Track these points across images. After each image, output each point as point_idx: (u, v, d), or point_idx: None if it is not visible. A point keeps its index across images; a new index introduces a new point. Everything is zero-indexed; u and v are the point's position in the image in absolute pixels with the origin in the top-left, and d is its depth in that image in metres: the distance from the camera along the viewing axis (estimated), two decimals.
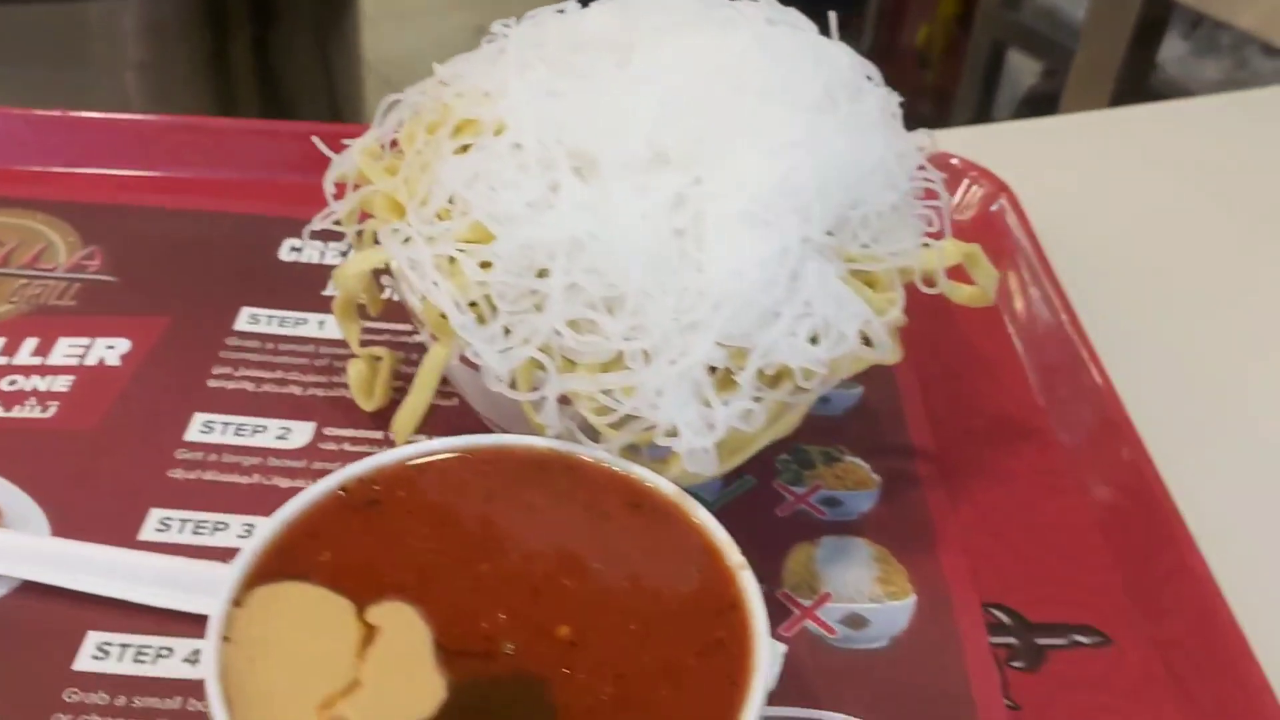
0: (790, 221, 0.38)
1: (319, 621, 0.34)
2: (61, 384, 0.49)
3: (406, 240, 0.40)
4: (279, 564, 0.35)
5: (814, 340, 0.39)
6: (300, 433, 0.49)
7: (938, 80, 2.58)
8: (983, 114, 2.44)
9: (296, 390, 0.51)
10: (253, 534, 0.37)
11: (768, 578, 0.44)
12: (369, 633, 0.33)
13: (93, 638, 0.40)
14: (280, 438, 0.48)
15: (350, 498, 0.37)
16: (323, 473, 0.47)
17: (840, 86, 0.42)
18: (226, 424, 0.49)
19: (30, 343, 0.51)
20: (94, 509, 0.44)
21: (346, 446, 0.48)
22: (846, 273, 0.40)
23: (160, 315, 0.53)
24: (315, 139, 0.46)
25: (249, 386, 0.51)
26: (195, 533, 0.44)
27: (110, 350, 0.51)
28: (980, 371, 0.55)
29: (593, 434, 0.39)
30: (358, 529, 0.37)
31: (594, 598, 0.35)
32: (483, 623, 0.34)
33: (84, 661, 0.39)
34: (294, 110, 1.56)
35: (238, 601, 0.34)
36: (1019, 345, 0.57)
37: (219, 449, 0.47)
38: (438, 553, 0.36)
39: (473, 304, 0.39)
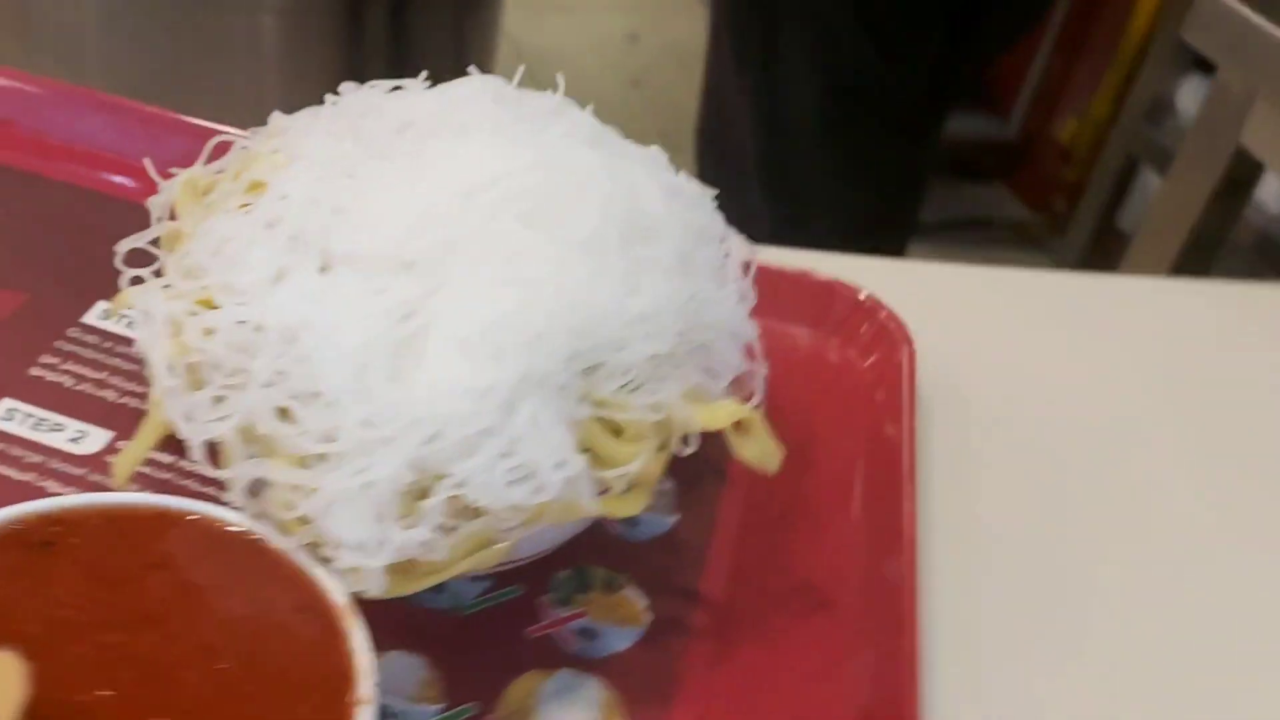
0: (510, 356, 0.36)
1: None
2: None
3: (165, 288, 0.40)
4: None
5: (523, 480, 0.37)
6: (94, 439, 0.49)
7: (1076, 178, 2.50)
8: (1105, 225, 2.36)
9: (111, 395, 0.51)
10: None
11: (483, 700, 0.43)
12: None
13: None
14: (73, 440, 0.49)
15: (26, 534, 0.37)
16: (99, 486, 0.47)
17: (631, 227, 0.40)
18: (29, 415, 0.49)
19: None
20: None
21: (146, 470, 0.48)
22: (591, 419, 0.39)
23: (19, 292, 0.54)
24: (146, 161, 0.45)
25: (67, 381, 0.51)
26: None
27: None
28: (810, 529, 0.52)
29: (282, 524, 0.38)
30: (17, 567, 0.36)
31: (206, 698, 0.34)
32: (83, 696, 0.33)
33: None
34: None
35: None
36: (858, 512, 0.53)
37: (9, 439, 0.48)
38: (79, 610, 0.36)
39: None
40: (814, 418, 0.58)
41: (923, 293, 0.67)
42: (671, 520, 0.51)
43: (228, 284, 0.38)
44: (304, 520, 0.37)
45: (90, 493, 0.39)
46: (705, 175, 1.54)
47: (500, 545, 0.38)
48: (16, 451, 0.48)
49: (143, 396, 0.51)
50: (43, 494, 0.46)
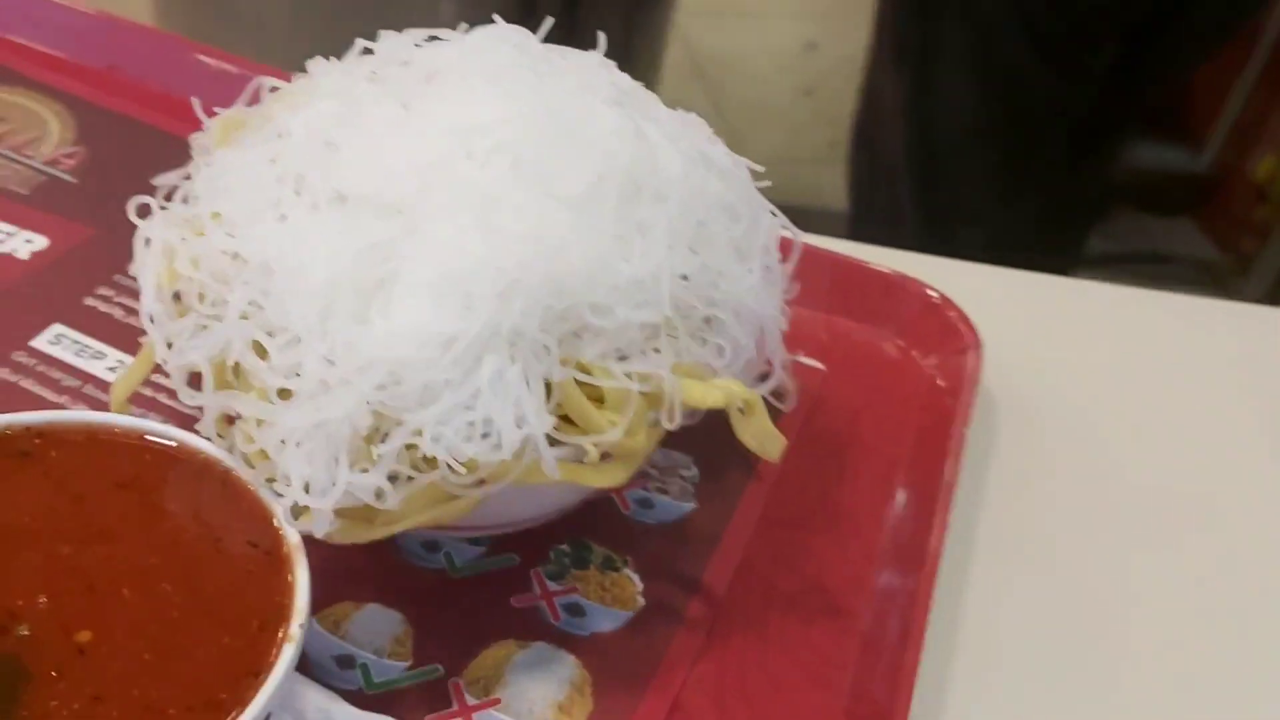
0: (480, 306, 0.35)
1: None
2: None
3: (165, 215, 0.40)
4: None
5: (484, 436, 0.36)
6: None
7: (1268, 219, 2.34)
8: None
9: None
10: None
11: (451, 663, 0.42)
12: None
13: None
14: (111, 369, 0.50)
15: (9, 442, 0.38)
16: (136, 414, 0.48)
17: (636, 189, 0.38)
18: (75, 341, 0.51)
19: None
20: None
21: (161, 398, 0.49)
22: (569, 382, 0.37)
23: (88, 226, 0.56)
24: (194, 101, 0.46)
25: (117, 314, 0.53)
26: None
27: (27, 244, 0.55)
28: (832, 531, 0.50)
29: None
30: None
31: (139, 621, 0.34)
32: (20, 599, 0.34)
33: None
34: None
35: None
36: (887, 518, 0.50)
37: (53, 362, 0.50)
38: (38, 520, 0.36)
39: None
40: (861, 416, 0.55)
41: (1006, 300, 0.63)
42: (688, 508, 0.49)
43: (217, 213, 0.38)
44: (263, 454, 0.37)
45: (72, 410, 0.39)
46: (856, 173, 1.50)
47: (460, 502, 0.37)
48: (56, 374, 0.49)
49: None
50: None
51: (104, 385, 0.49)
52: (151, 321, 0.38)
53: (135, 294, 0.53)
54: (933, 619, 0.43)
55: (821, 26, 2.98)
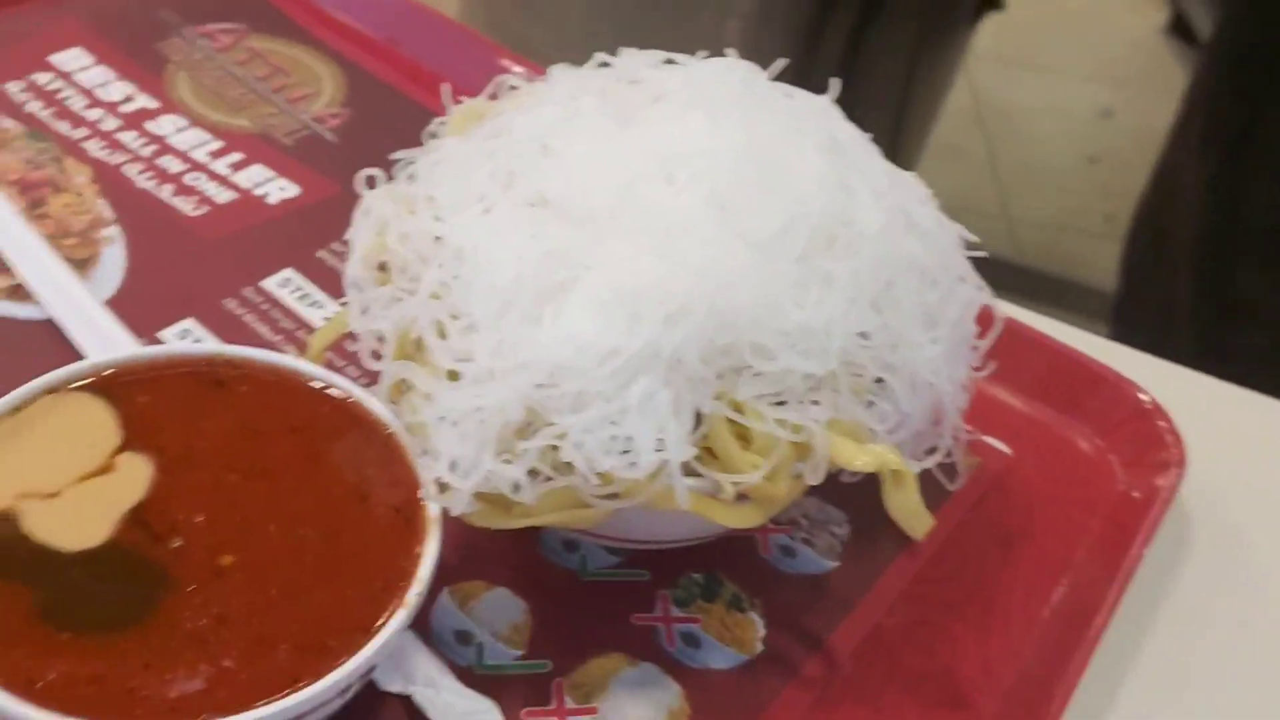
0: (644, 328, 0.36)
1: (82, 439, 0.39)
2: (225, 196, 0.59)
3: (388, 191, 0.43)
4: (109, 382, 0.40)
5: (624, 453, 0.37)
6: None
7: None
8: None
9: None
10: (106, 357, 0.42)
11: (561, 662, 0.43)
12: (105, 467, 0.38)
13: None
14: (326, 319, 0.54)
15: (208, 371, 0.42)
16: (328, 364, 0.52)
17: (825, 240, 0.38)
18: (299, 288, 0.55)
19: (234, 156, 0.61)
20: (155, 294, 0.53)
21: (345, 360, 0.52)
22: (720, 417, 0.38)
23: (336, 184, 0.61)
24: (444, 87, 0.49)
25: (343, 269, 0.56)
26: None
27: (280, 191, 0.60)
28: (976, 617, 0.47)
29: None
30: (185, 394, 0.41)
31: (276, 558, 0.37)
32: (181, 515, 0.37)
33: None
34: (856, 108, 1.59)
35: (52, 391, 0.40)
36: (1038, 621, 0.48)
37: (275, 303, 0.54)
38: (215, 447, 0.40)
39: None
40: (1038, 511, 0.52)
41: (1228, 419, 0.58)
42: (830, 565, 0.49)
43: (431, 196, 0.40)
44: (423, 427, 0.38)
45: (276, 353, 0.43)
46: (1134, 255, 1.42)
47: (590, 510, 0.38)
48: (276, 314, 0.54)
49: None
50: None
51: (314, 330, 0.53)
52: (353, 286, 0.40)
53: None
54: None
55: (1119, 93, 2.84)
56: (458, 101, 0.49)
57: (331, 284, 0.55)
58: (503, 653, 0.43)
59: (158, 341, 0.50)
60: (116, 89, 0.63)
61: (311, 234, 0.58)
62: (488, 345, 0.37)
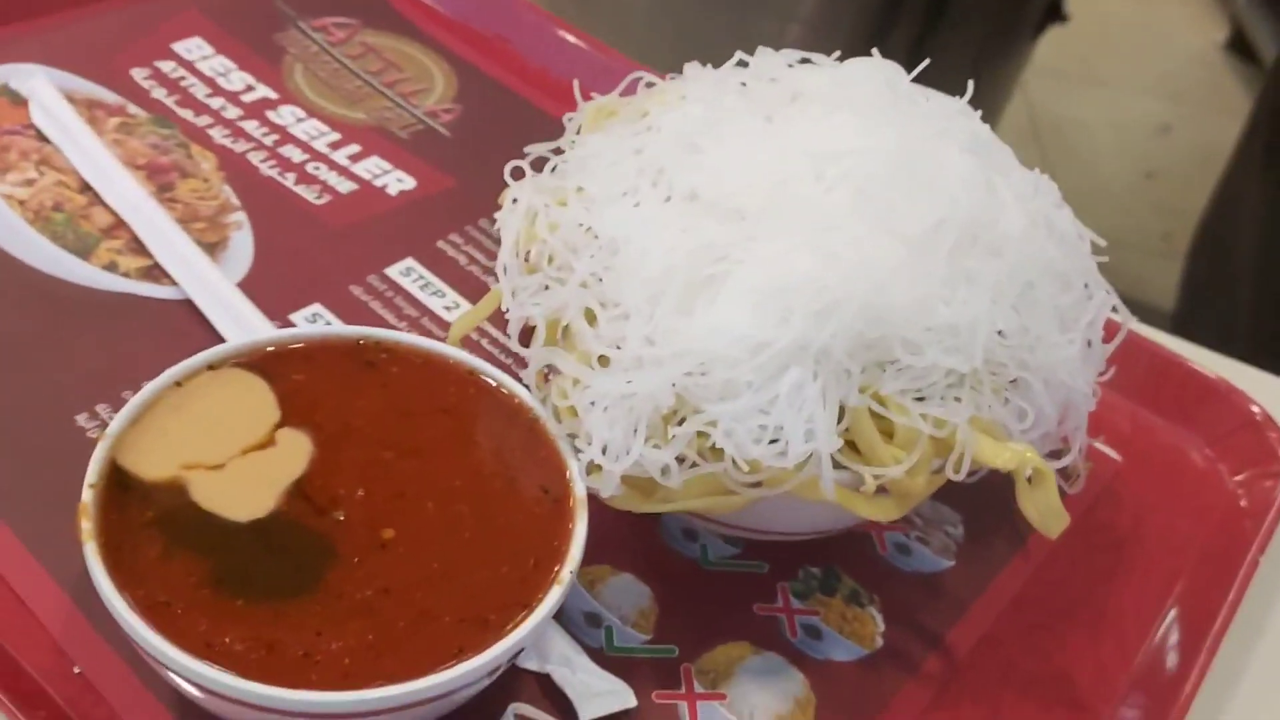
0: (796, 320, 0.37)
1: (243, 413, 0.40)
2: (346, 187, 0.60)
3: (536, 183, 0.44)
4: (266, 359, 0.42)
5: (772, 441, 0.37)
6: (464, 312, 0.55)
7: None
8: None
9: (492, 282, 0.57)
10: (263, 335, 0.44)
11: (688, 648, 0.44)
12: (266, 441, 0.39)
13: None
14: (447, 308, 0.55)
15: (361, 351, 0.43)
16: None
17: (971, 239, 0.39)
18: (421, 277, 0.56)
19: (353, 148, 0.62)
20: (284, 279, 0.54)
21: (484, 343, 0.54)
22: (864, 410, 0.38)
23: (451, 177, 0.62)
24: (575, 83, 0.50)
25: (462, 260, 0.58)
26: None
27: (398, 183, 0.61)
28: (1089, 622, 0.48)
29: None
30: (338, 373, 0.42)
31: (435, 533, 0.38)
32: (342, 489, 0.38)
33: None
34: None
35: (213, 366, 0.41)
36: (1154, 629, 0.48)
37: (400, 291, 0.55)
38: (369, 425, 0.41)
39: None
40: (1148, 519, 0.53)
41: None
42: (945, 564, 0.49)
43: (581, 188, 0.41)
44: (572, 411, 0.40)
45: (423, 337, 0.44)
46: (1193, 274, 1.41)
47: (734, 498, 0.39)
48: (400, 302, 0.55)
49: None
50: None
51: (438, 320, 0.54)
52: (504, 272, 0.42)
53: (481, 245, 0.58)
54: None
55: (1178, 109, 2.81)
56: (587, 98, 0.50)
57: (451, 273, 0.57)
58: (631, 636, 0.44)
59: (289, 324, 0.52)
60: (237, 78, 0.65)
61: (430, 225, 0.59)
62: (639, 333, 0.38)
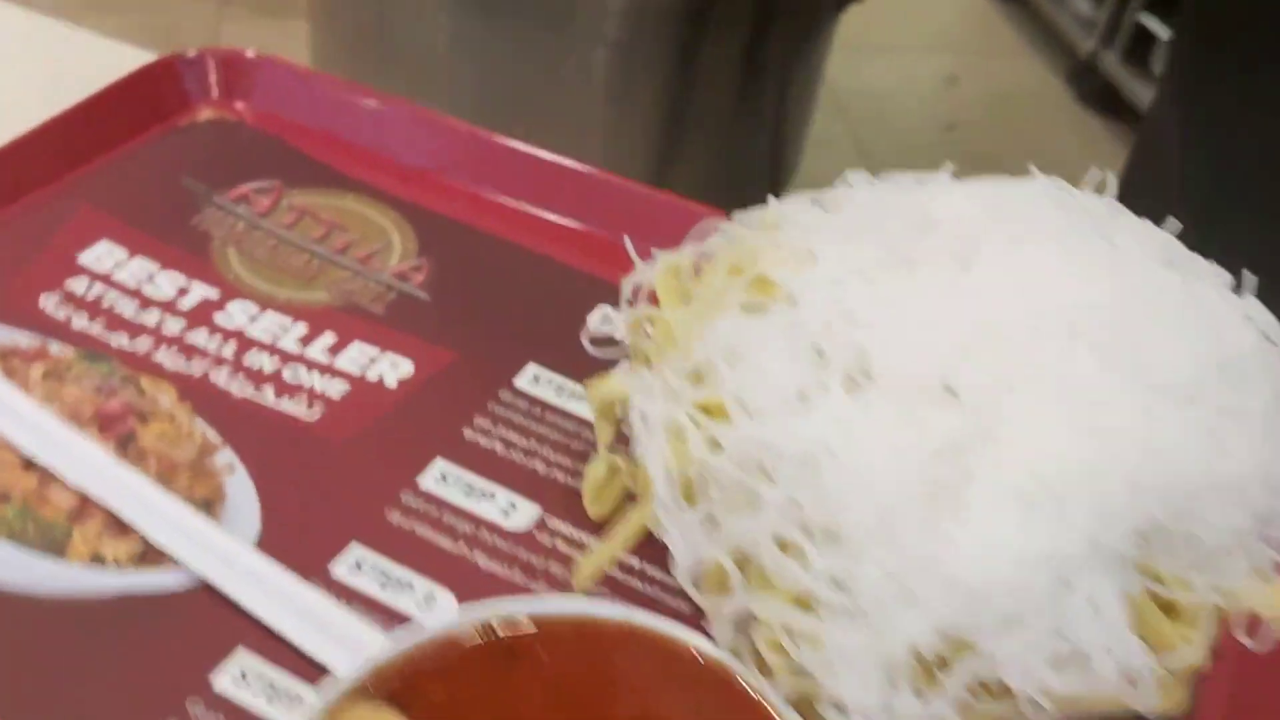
0: (1078, 518, 0.30)
1: None
2: (336, 389, 0.51)
3: (665, 389, 0.37)
4: (393, 687, 0.33)
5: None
6: (524, 513, 0.47)
7: None
8: None
9: (540, 467, 0.49)
10: (381, 651, 0.35)
11: None
12: None
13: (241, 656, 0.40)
14: (504, 512, 0.47)
15: (491, 641, 0.35)
16: (527, 566, 0.44)
17: (1226, 370, 0.33)
18: (461, 479, 0.48)
19: (328, 338, 0.53)
20: (306, 522, 0.45)
21: (560, 545, 0.45)
22: (1142, 591, 0.32)
23: (450, 349, 0.53)
24: (626, 239, 0.43)
25: (499, 448, 0.49)
26: (381, 584, 0.43)
27: (392, 369, 0.52)
28: None
29: (762, 664, 0.33)
30: (482, 677, 0.34)
31: None
32: None
33: (222, 681, 0.39)
34: (739, 121, 1.54)
35: (332, 713, 0.32)
36: None
37: (442, 504, 0.47)
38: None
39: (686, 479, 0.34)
40: None
41: None
42: None
43: (739, 396, 0.34)
44: (795, 668, 0.32)
45: (555, 596, 0.36)
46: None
47: None
48: (449, 518, 0.46)
49: (569, 471, 0.48)
50: (476, 571, 0.44)
51: (498, 529, 0.46)
52: (664, 510, 0.34)
53: (512, 424, 0.50)
54: None
55: (963, 60, 2.92)
56: (644, 256, 0.43)
57: (493, 468, 0.48)
58: None
59: (329, 578, 0.43)
60: (165, 282, 0.54)
61: (447, 414, 0.50)
62: (879, 567, 0.31)
